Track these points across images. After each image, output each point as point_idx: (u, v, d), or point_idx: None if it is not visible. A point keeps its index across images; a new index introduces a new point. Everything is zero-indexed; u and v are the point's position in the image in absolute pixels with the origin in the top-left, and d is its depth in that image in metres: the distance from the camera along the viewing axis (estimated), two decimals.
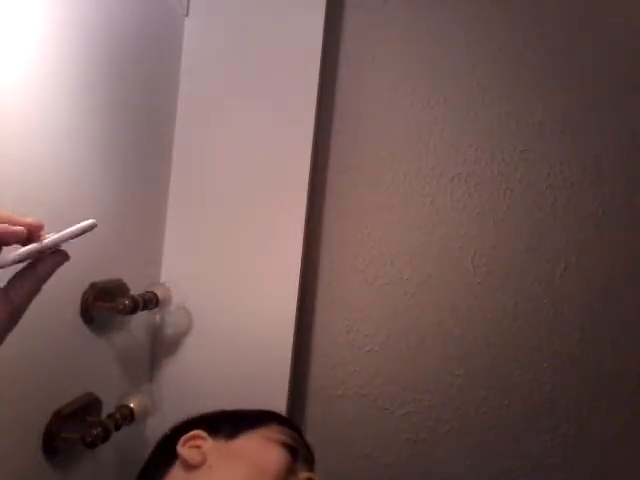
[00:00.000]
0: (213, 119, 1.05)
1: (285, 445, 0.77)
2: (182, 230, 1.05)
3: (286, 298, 1.02)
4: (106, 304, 0.83)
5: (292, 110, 1.03)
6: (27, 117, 0.67)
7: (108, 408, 0.85)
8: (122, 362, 0.93)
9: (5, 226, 0.44)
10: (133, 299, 0.86)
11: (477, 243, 1.07)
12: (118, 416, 0.84)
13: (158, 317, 1.05)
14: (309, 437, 1.10)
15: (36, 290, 0.48)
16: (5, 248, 0.46)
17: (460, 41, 1.08)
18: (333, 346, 1.09)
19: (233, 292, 1.03)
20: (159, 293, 0.94)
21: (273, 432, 0.80)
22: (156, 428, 0.96)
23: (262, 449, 0.75)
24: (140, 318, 0.96)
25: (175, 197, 1.06)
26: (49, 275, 0.48)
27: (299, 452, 0.78)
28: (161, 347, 1.05)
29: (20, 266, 0.48)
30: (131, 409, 0.88)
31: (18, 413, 0.69)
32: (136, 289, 0.91)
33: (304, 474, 0.74)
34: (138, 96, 0.92)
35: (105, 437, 0.78)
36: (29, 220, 0.45)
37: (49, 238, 0.46)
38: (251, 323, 1.01)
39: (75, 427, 0.77)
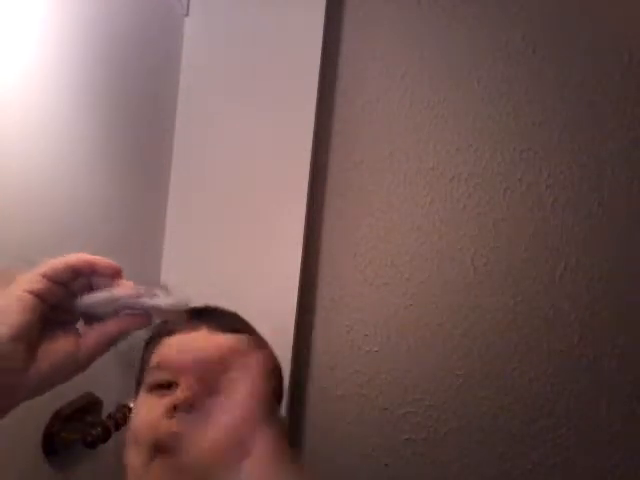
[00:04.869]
0: (213, 119, 1.05)
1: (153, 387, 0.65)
2: (182, 230, 1.05)
3: (286, 298, 1.02)
4: None
5: (292, 110, 1.03)
6: (27, 117, 0.67)
7: (108, 408, 0.85)
8: (122, 362, 0.93)
9: (101, 259, 0.43)
10: None
11: (477, 243, 1.07)
12: (118, 416, 0.84)
13: None
14: (309, 437, 1.10)
15: (104, 348, 0.45)
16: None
17: (460, 41, 1.08)
18: (333, 346, 1.09)
19: (233, 292, 1.03)
20: None
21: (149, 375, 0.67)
22: None
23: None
24: None
25: (175, 197, 1.06)
26: (121, 335, 0.45)
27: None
28: None
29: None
30: (131, 409, 0.87)
31: (18, 413, 0.69)
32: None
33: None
34: (138, 96, 0.92)
35: (105, 437, 0.78)
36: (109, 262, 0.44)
37: (146, 301, 0.44)
38: (251, 323, 1.01)
39: (75, 427, 0.77)
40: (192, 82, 1.05)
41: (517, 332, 1.06)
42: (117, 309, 0.44)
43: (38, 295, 0.41)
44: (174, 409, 0.58)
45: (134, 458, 0.59)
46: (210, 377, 0.60)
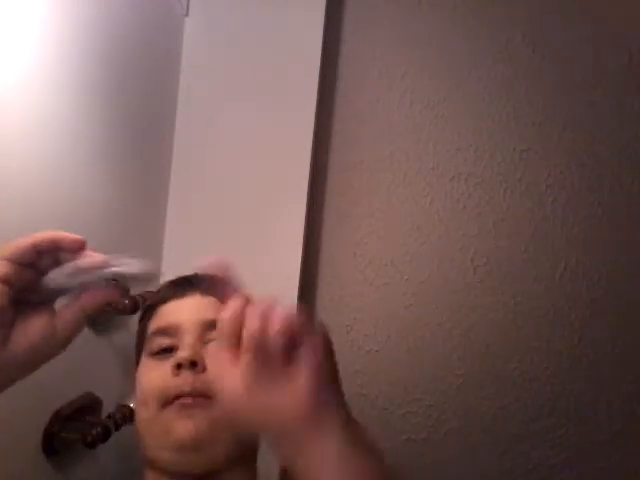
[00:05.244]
0: (213, 119, 1.05)
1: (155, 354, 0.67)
2: (182, 230, 1.05)
3: (286, 298, 1.02)
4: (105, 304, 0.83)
5: (292, 110, 1.03)
6: (27, 117, 0.67)
7: (108, 408, 0.85)
8: (122, 362, 0.93)
9: (65, 234, 0.42)
10: (133, 299, 0.86)
11: (477, 243, 1.07)
12: (118, 416, 0.84)
13: None
14: None
15: (80, 324, 0.45)
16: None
17: (460, 41, 1.08)
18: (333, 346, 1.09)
19: None
20: None
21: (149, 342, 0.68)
22: None
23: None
24: None
25: (175, 197, 1.05)
26: (95, 308, 0.45)
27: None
28: None
29: None
30: (131, 409, 0.87)
31: (18, 413, 0.69)
32: (136, 289, 0.91)
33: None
34: (138, 96, 0.92)
35: (105, 437, 0.78)
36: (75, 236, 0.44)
37: (112, 269, 0.43)
38: None
39: (75, 427, 0.77)
40: (192, 82, 1.05)
41: (517, 332, 1.06)
42: (85, 281, 0.43)
43: (5, 280, 0.41)
44: (178, 367, 0.61)
45: (144, 414, 0.62)
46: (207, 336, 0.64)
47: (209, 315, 0.66)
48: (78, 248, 0.43)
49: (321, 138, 1.08)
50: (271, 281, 1.03)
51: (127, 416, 0.86)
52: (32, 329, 0.43)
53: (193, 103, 1.05)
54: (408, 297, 1.08)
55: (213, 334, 0.64)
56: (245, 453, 0.64)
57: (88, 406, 0.82)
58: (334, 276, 1.10)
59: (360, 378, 1.08)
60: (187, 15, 1.05)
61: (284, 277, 1.02)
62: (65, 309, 0.44)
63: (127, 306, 0.84)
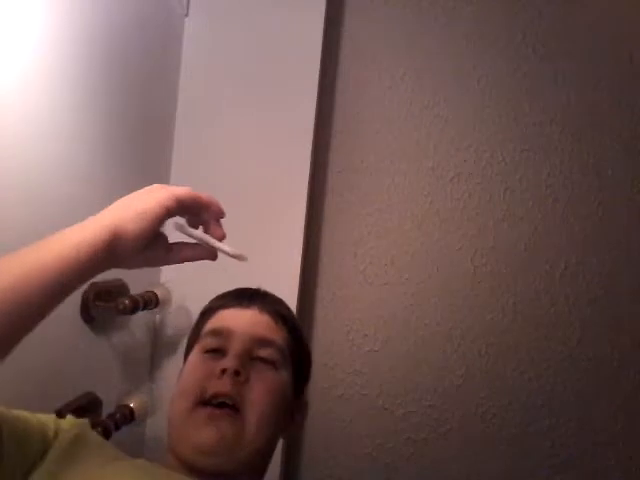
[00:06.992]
0: (213, 119, 1.05)
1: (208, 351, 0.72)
2: None
3: (286, 298, 1.02)
4: (106, 304, 0.83)
5: (292, 110, 1.03)
6: (27, 118, 0.67)
7: (108, 408, 0.85)
8: (122, 362, 0.93)
9: (216, 202, 0.56)
10: (133, 299, 0.86)
11: (477, 243, 1.07)
12: (118, 416, 0.84)
13: (158, 317, 1.04)
14: (309, 437, 1.10)
15: (183, 261, 0.58)
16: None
17: (460, 41, 1.08)
18: (333, 346, 1.09)
19: None
20: (159, 293, 0.94)
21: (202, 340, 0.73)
22: (156, 428, 0.96)
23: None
24: (140, 318, 0.96)
25: None
26: (194, 259, 0.58)
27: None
28: (161, 347, 1.05)
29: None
30: (131, 409, 0.88)
31: None
32: (136, 289, 0.91)
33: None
34: (138, 96, 0.92)
35: (105, 437, 0.78)
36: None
37: (219, 244, 0.57)
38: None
39: None
40: (192, 82, 1.05)
41: (517, 332, 1.06)
42: (199, 240, 0.57)
43: (169, 211, 0.52)
44: (222, 373, 0.65)
45: (180, 405, 0.67)
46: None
47: (262, 332, 0.71)
48: (218, 216, 0.57)
49: (321, 138, 1.08)
50: (271, 281, 1.03)
51: (127, 416, 0.86)
52: (154, 252, 0.56)
53: (193, 103, 1.05)
54: (408, 297, 1.08)
55: (261, 351, 0.69)
56: (261, 463, 0.69)
57: (88, 406, 0.82)
58: (334, 276, 1.10)
59: (360, 378, 1.09)
60: (187, 15, 1.05)
61: (284, 277, 1.02)
62: (178, 248, 0.58)
63: (127, 306, 0.84)
